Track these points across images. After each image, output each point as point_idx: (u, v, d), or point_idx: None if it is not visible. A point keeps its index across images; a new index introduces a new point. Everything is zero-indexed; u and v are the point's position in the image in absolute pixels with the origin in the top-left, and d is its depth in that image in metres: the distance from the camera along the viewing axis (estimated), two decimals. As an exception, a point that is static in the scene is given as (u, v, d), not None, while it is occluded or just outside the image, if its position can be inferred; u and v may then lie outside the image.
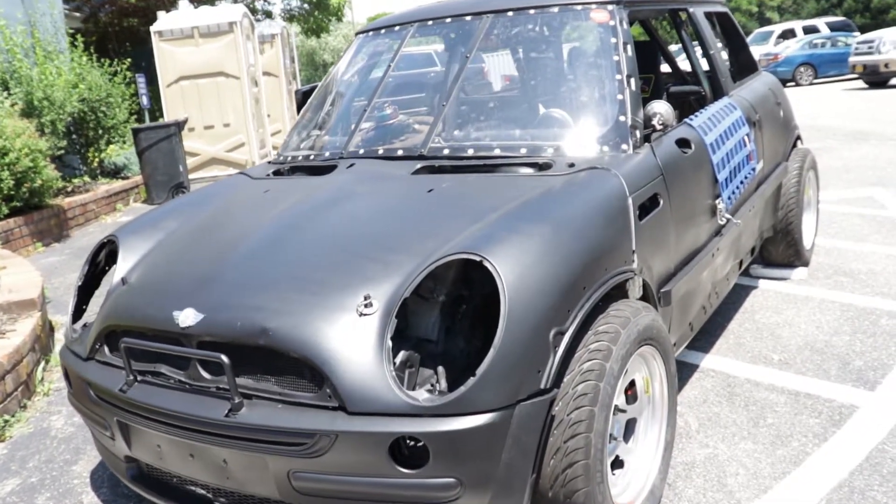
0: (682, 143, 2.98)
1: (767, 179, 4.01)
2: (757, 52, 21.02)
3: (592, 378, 2.00)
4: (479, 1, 3.26)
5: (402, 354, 2.02)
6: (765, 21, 35.05)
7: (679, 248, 2.80)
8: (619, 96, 2.80)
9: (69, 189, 9.43)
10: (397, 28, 3.44)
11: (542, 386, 1.93)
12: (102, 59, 10.56)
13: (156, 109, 12.99)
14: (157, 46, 11.37)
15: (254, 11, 19.05)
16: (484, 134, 2.97)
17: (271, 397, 2.01)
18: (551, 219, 2.18)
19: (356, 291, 2.06)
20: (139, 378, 2.24)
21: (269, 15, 19.58)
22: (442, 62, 3.62)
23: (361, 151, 3.07)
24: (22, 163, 7.29)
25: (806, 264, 4.64)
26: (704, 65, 3.84)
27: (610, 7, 3.01)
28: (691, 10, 3.76)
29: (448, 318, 2.13)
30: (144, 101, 11.50)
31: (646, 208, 2.56)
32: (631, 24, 4.13)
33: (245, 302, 2.16)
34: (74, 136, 9.88)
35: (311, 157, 3.22)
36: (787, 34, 22.63)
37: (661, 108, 2.83)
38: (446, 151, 2.86)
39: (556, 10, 3.09)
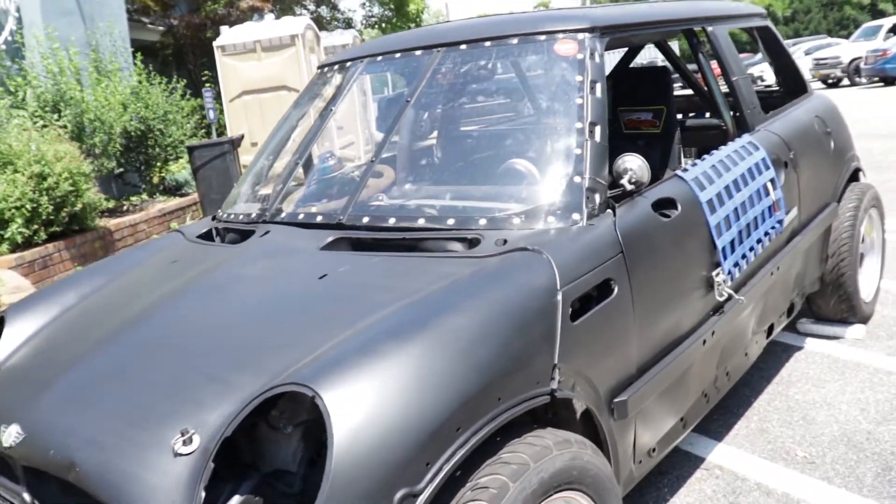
0: (665, 204, 2.43)
1: (808, 227, 3.37)
2: (864, 47, 19.48)
3: None
4: (436, 32, 2.80)
5: (235, 501, 1.61)
6: (877, 14, 32.74)
7: (647, 341, 2.25)
8: (578, 150, 2.28)
9: (124, 208, 9.46)
10: (348, 64, 3.01)
11: None
12: (161, 77, 10.58)
13: (223, 124, 13.03)
14: (221, 61, 11.35)
15: (334, 20, 19.02)
16: (413, 198, 2.51)
17: None
18: (429, 331, 1.70)
19: (178, 422, 1.66)
20: None
21: (349, 23, 19.50)
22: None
23: (284, 214, 2.66)
24: (62, 187, 7.25)
25: (865, 320, 3.94)
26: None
27: (580, 36, 2.49)
28: (709, 28, 3.17)
29: (312, 446, 1.70)
30: (211, 115, 11.49)
31: (588, 301, 2.04)
32: (615, 48, 3.58)
33: (64, 423, 1.81)
34: (132, 155, 9.91)
35: (241, 216, 2.84)
36: (900, 27, 20.91)
37: (633, 164, 2.29)
38: (366, 220, 2.41)
39: (515, 41, 2.59)
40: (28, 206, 7.01)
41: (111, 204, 8.79)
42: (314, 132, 2.88)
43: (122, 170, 9.17)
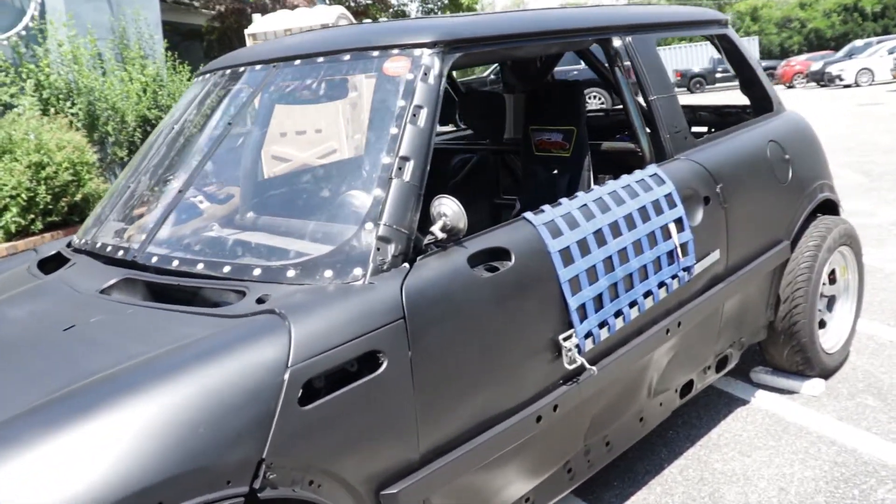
0: (495, 254, 2.07)
1: (743, 270, 2.92)
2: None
3: None
4: (277, 47, 2.49)
5: None
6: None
7: (441, 421, 1.89)
8: (378, 191, 1.94)
9: (140, 196, 9.46)
10: (208, 75, 2.72)
11: None
12: (203, 62, 10.53)
13: (258, 112, 12.97)
14: (251, 49, 11.24)
15: (387, 8, 18.77)
16: (202, 237, 2.21)
17: None
18: (100, 416, 1.42)
19: None
20: None
21: (403, 14, 19.22)
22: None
23: (98, 244, 2.40)
24: (61, 177, 7.23)
25: (827, 374, 3.45)
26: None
27: (417, 53, 2.14)
28: (626, 38, 2.75)
29: None
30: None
31: (335, 379, 1.70)
32: (477, 64, 3.20)
33: None
34: (152, 142, 9.93)
35: (72, 243, 2.60)
36: None
37: (447, 209, 1.94)
38: (154, 260, 2.13)
39: (347, 57, 2.25)
40: (24, 196, 6.99)
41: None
42: (173, 151, 2.60)
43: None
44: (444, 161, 3.71)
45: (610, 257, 2.29)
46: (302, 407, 1.62)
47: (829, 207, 3.58)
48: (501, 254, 2.07)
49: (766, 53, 39.74)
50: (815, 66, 26.75)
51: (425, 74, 2.09)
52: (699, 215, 2.68)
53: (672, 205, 2.54)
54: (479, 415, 1.98)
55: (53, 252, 2.63)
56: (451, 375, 1.90)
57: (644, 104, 2.78)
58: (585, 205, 2.30)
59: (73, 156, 7.50)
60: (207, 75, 2.73)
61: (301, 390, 1.62)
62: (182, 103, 2.77)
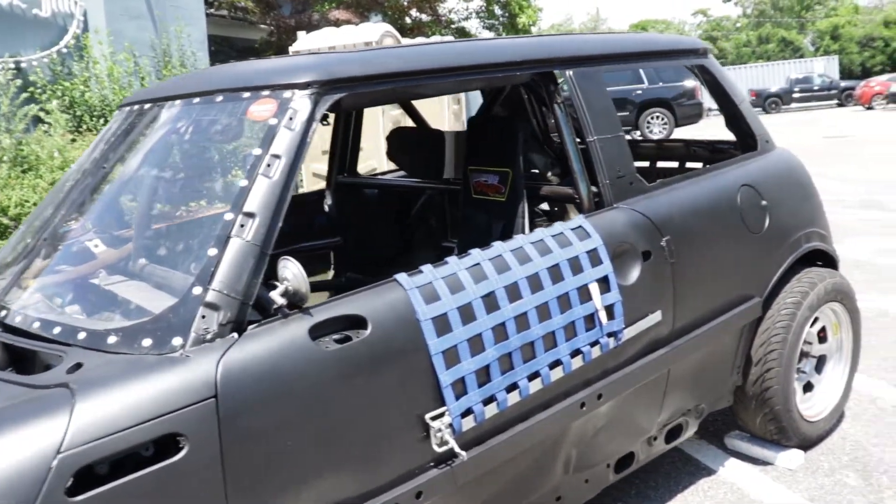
0: (350, 323, 1.85)
1: (697, 331, 2.63)
2: None
3: None
4: (172, 85, 2.35)
5: None
6: None
7: None
8: (213, 251, 1.76)
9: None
10: (117, 112, 2.59)
11: None
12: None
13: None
14: (295, 67, 11.27)
15: (446, 25, 18.68)
16: (49, 293, 2.06)
17: None
18: None
19: None
20: None
21: (462, 32, 19.09)
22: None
23: None
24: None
25: (807, 444, 3.10)
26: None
27: (287, 94, 1.96)
28: (564, 73, 2.50)
29: None
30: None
31: (141, 463, 1.53)
32: (384, 104, 3.01)
33: None
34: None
35: None
36: None
37: (289, 272, 1.75)
38: (3, 314, 1.99)
39: (220, 98, 2.09)
40: (47, 211, 7.10)
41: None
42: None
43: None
44: (394, 200, 3.52)
45: (503, 324, 2.05)
46: (70, 498, 1.44)
47: (824, 260, 3.24)
48: (359, 322, 1.86)
49: (846, 73, 38.16)
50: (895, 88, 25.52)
51: (290, 119, 1.91)
52: (634, 273, 2.41)
53: (596, 262, 2.29)
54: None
55: None
56: (280, 462, 1.70)
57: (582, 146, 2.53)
58: (478, 264, 2.07)
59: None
60: (118, 111, 2.60)
61: (72, 479, 1.44)
62: (96, 139, 2.65)
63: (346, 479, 1.82)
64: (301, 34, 11.64)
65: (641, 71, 17.52)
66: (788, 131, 19.68)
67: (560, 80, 2.53)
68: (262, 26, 15.78)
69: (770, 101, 30.09)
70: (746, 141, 3.19)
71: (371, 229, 3.60)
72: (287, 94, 1.95)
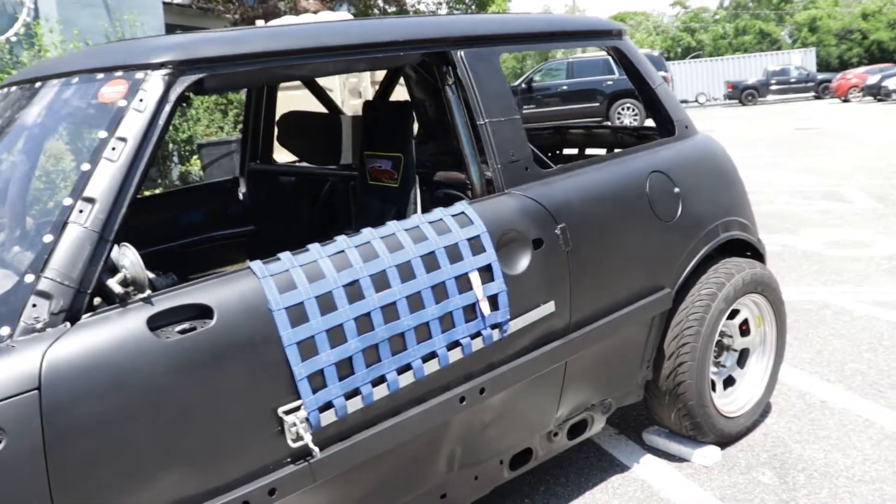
0: (199, 312, 1.73)
1: (598, 323, 2.52)
2: None
3: None
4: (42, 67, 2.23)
5: None
6: None
7: None
8: (48, 237, 1.65)
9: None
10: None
11: None
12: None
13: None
14: (256, 56, 11.11)
15: (417, 14, 18.50)
16: None
17: None
18: None
19: None
20: None
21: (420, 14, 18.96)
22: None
23: None
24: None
25: (725, 440, 3.00)
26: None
27: (139, 75, 1.83)
28: (455, 54, 2.38)
29: None
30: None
31: None
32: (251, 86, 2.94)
33: None
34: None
35: None
36: None
37: (126, 259, 1.64)
38: None
39: (75, 80, 1.97)
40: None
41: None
42: None
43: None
44: (307, 188, 3.39)
45: (368, 314, 1.93)
46: None
47: (747, 250, 3.14)
48: (206, 312, 1.74)
49: (823, 66, 38.28)
50: (872, 80, 25.57)
51: (140, 101, 1.78)
52: (523, 262, 2.29)
53: (478, 250, 2.17)
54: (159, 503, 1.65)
55: None
56: (111, 458, 1.58)
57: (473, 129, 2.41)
58: (342, 252, 1.95)
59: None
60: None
61: None
62: None
63: (190, 476, 1.71)
64: (259, 23, 11.48)
65: (612, 61, 17.41)
66: (761, 123, 19.69)
67: (446, 61, 2.40)
68: (227, 16, 15.58)
69: (747, 94, 30.16)
70: (665, 126, 3.08)
71: (285, 217, 3.48)
72: (139, 74, 1.83)
